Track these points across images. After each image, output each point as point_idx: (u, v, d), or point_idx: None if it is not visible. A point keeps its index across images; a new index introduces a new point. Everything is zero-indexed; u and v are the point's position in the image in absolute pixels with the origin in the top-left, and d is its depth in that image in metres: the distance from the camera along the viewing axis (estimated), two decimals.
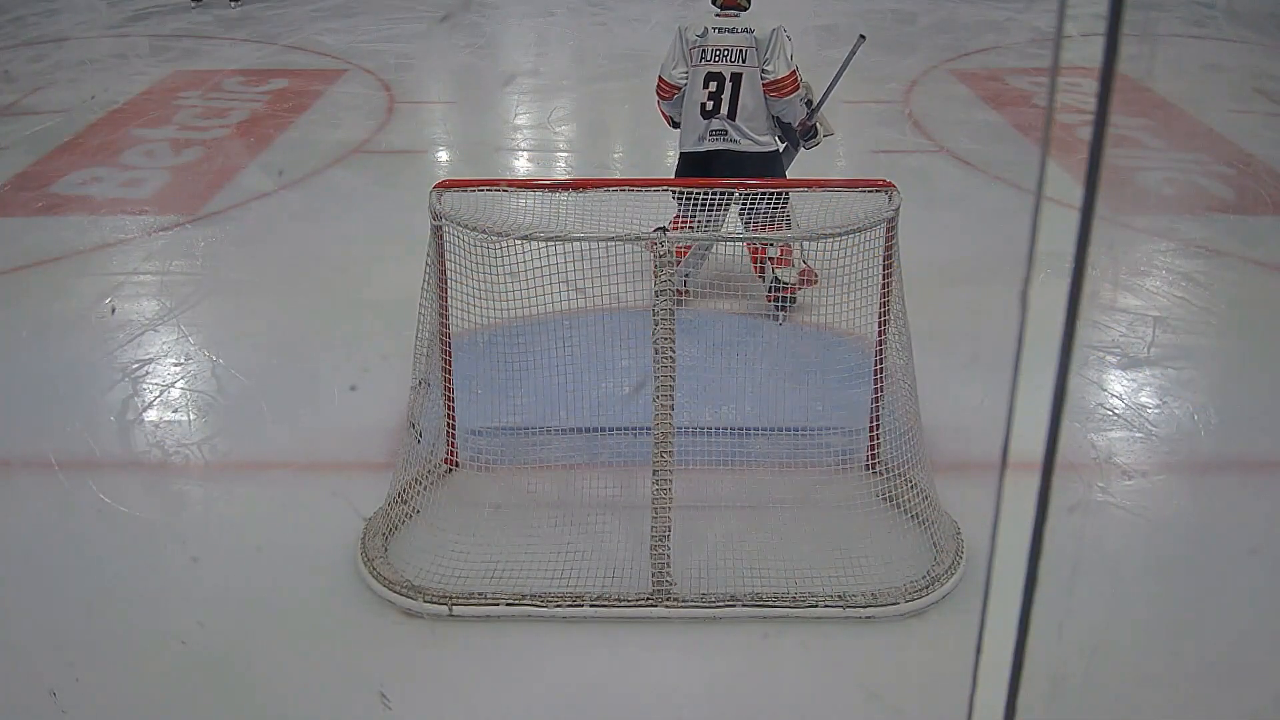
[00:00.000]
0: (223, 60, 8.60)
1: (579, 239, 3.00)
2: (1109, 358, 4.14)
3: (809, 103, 4.41)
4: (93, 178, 6.02)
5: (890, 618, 2.83)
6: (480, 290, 3.15)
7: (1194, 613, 2.91)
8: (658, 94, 4.50)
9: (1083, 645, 2.66)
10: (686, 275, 4.06)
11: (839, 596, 2.85)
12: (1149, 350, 4.21)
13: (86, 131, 6.79)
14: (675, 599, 2.85)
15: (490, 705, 2.63)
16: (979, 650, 1.02)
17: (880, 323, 3.17)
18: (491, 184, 3.23)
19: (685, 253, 4.05)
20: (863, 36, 4.46)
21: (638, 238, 2.87)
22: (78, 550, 3.16)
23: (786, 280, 4.05)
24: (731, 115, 4.26)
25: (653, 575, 2.86)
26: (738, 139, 4.28)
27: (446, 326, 3.23)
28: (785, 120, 4.41)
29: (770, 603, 2.84)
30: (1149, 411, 3.82)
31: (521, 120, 7.31)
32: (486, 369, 3.48)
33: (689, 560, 2.95)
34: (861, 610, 2.82)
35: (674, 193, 3.50)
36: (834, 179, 3.31)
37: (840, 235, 2.97)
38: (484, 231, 3.02)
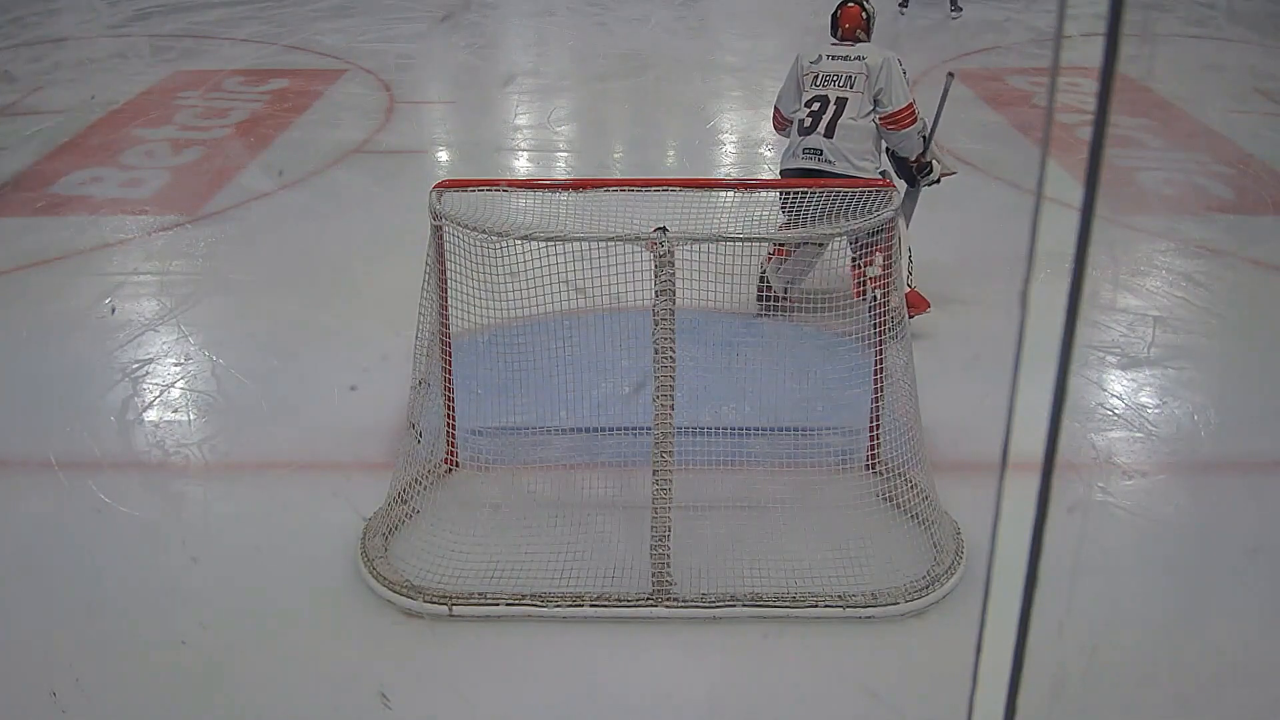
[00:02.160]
0: (223, 60, 8.60)
1: (579, 239, 3.00)
2: (1109, 358, 4.14)
3: (924, 138, 4.34)
4: (93, 178, 6.02)
5: (890, 618, 2.82)
6: (480, 290, 3.15)
7: (1194, 613, 2.91)
8: (773, 123, 4.51)
9: (1083, 645, 2.66)
10: (789, 283, 4.04)
11: (839, 596, 2.85)
12: (1149, 350, 4.21)
13: (86, 131, 6.79)
14: (675, 599, 2.85)
15: (490, 705, 2.63)
16: (979, 650, 1.02)
17: (880, 323, 3.17)
18: (491, 184, 3.23)
19: (784, 252, 4.03)
20: (951, 74, 4.45)
21: (638, 238, 2.87)
22: (78, 550, 3.16)
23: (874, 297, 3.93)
24: (829, 134, 4.16)
25: (653, 575, 2.86)
26: (833, 159, 4.15)
27: (446, 326, 3.23)
28: (902, 155, 4.34)
29: (770, 603, 2.84)
30: (1149, 411, 3.82)
31: (521, 120, 7.31)
32: (486, 369, 3.48)
33: (689, 560, 2.95)
34: (861, 610, 2.82)
35: (782, 201, 3.46)
36: (834, 179, 3.31)
37: (840, 235, 2.97)
38: (484, 231, 3.02)
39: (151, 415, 3.82)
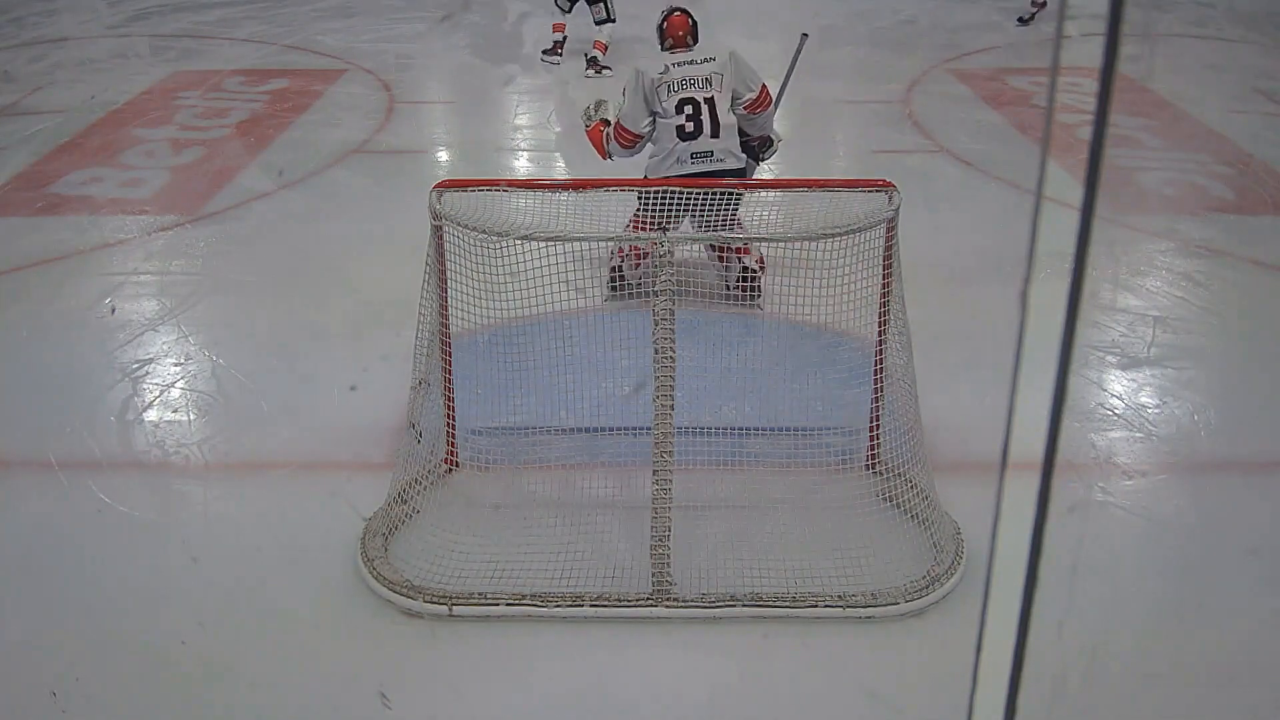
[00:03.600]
0: (223, 60, 8.60)
1: (579, 239, 3.00)
2: (1109, 358, 4.14)
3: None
4: (93, 178, 6.01)
5: (890, 618, 2.83)
6: (480, 290, 3.15)
7: (1194, 613, 2.91)
8: (617, 140, 4.48)
9: (1083, 645, 2.66)
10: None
11: (839, 596, 2.85)
12: (1149, 350, 4.21)
13: (86, 131, 6.79)
14: (675, 599, 2.85)
15: (490, 705, 2.63)
16: (979, 650, 1.02)
17: (880, 323, 3.17)
18: (491, 184, 3.23)
19: (639, 254, 4.10)
20: (805, 35, 4.61)
21: (637, 238, 2.87)
22: (78, 550, 3.16)
23: (755, 267, 4.10)
24: (715, 134, 4.30)
25: (653, 575, 2.86)
26: (723, 158, 4.32)
27: (446, 326, 3.23)
28: (758, 134, 4.47)
29: (770, 603, 2.84)
30: (1149, 411, 3.82)
31: (521, 120, 7.31)
32: (486, 369, 3.48)
33: (689, 560, 2.95)
34: (861, 610, 2.82)
35: (639, 193, 3.53)
36: (834, 179, 3.31)
37: (840, 235, 2.97)
38: (484, 231, 3.02)
39: (151, 415, 3.82)
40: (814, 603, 2.83)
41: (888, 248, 3.08)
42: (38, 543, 3.20)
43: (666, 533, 2.85)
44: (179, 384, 4.02)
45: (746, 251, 4.14)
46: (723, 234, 3.57)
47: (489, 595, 2.86)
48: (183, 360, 4.18)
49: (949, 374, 3.73)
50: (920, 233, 4.42)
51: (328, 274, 4.93)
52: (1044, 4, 7.16)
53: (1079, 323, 0.89)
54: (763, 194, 3.83)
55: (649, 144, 4.45)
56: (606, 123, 4.53)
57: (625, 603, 2.85)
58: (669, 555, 2.85)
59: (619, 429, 3.47)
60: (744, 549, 3.03)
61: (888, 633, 2.81)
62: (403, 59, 8.63)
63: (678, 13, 4.54)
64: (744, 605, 2.84)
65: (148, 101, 7.48)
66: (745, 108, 4.36)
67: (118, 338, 4.32)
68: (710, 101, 4.29)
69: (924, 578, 2.90)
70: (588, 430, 3.50)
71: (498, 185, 3.27)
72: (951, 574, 2.92)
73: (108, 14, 10.24)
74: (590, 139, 4.61)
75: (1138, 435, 3.68)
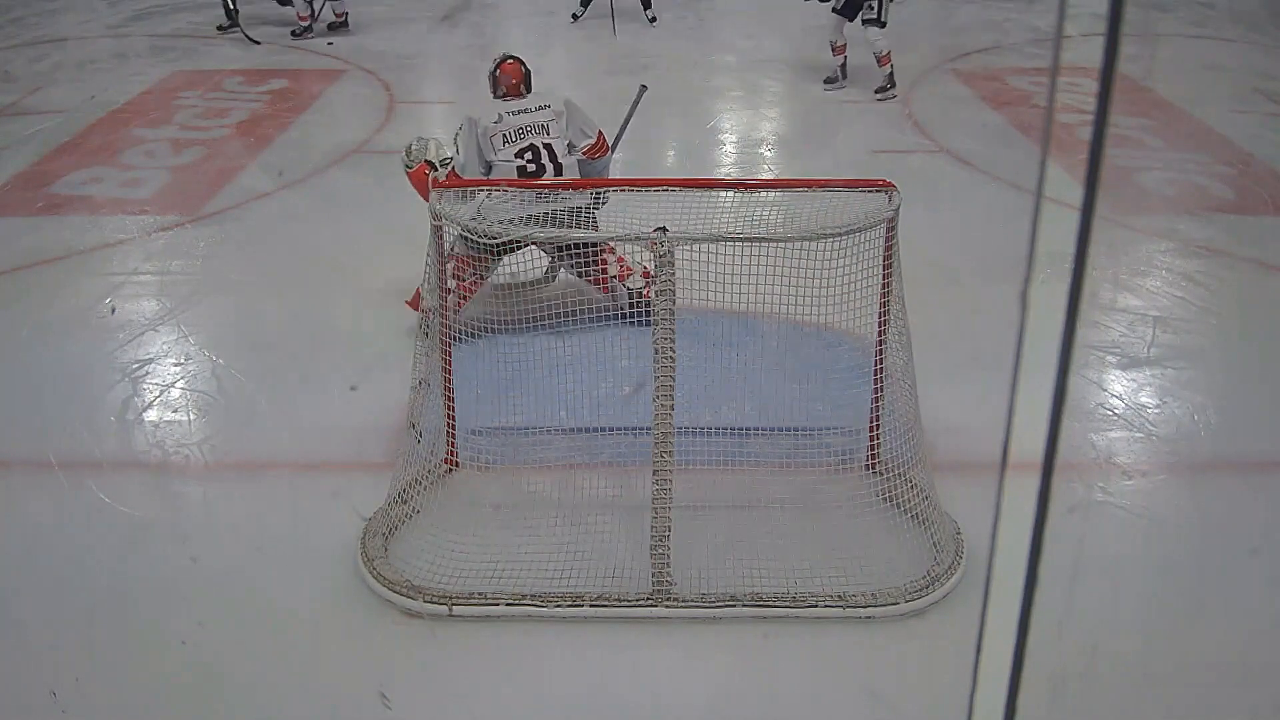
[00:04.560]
0: (223, 60, 8.60)
1: (579, 239, 3.00)
2: (1109, 358, 4.14)
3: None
4: (93, 178, 6.02)
5: (890, 618, 2.83)
6: (480, 290, 3.15)
7: (1194, 613, 2.91)
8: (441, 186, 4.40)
9: (1083, 645, 2.66)
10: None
11: (839, 596, 2.85)
12: (1149, 350, 4.21)
13: (86, 131, 6.79)
14: (675, 599, 2.85)
15: (490, 705, 2.64)
16: (979, 650, 1.02)
17: (880, 323, 3.17)
18: (492, 184, 3.23)
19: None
20: (644, 86, 4.66)
21: (638, 238, 2.87)
22: (78, 550, 3.16)
23: (639, 286, 4.12)
24: (557, 174, 4.25)
25: (653, 575, 2.86)
26: (568, 195, 4.09)
27: (446, 326, 3.23)
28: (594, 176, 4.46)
29: (770, 603, 2.84)
30: (1149, 411, 3.82)
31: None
32: (486, 369, 3.48)
33: (689, 560, 2.95)
34: (861, 610, 2.82)
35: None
36: (834, 179, 3.30)
37: (840, 235, 2.97)
38: (484, 231, 3.02)
39: (151, 415, 3.82)
40: (814, 603, 2.83)
41: (888, 248, 3.07)
42: (38, 543, 3.20)
43: (666, 533, 2.85)
44: (179, 384, 4.02)
45: (628, 273, 4.16)
46: (722, 234, 3.56)
47: (489, 595, 2.86)
48: (183, 360, 4.18)
49: (949, 374, 3.73)
50: (920, 233, 4.42)
51: (327, 274, 4.92)
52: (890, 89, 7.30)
53: (1079, 323, 0.89)
54: (763, 194, 3.83)
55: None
56: (432, 165, 4.27)
57: (625, 603, 2.86)
58: (669, 555, 2.85)
59: (619, 429, 3.47)
60: (744, 549, 3.03)
61: (888, 633, 2.81)
62: (403, 59, 8.62)
63: (510, 60, 4.49)
64: (744, 605, 2.84)
65: (148, 101, 7.48)
66: (584, 153, 4.35)
67: (118, 338, 4.32)
68: (549, 147, 4.26)
69: (924, 578, 2.90)
70: (588, 430, 3.50)
71: (498, 185, 3.27)
72: (951, 574, 2.92)
73: (108, 14, 10.24)
74: (413, 181, 4.28)
75: (1138, 435, 3.68)
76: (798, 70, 8.26)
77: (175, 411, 3.84)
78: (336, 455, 3.58)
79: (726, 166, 6.59)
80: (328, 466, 3.55)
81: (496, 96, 4.46)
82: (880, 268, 3.09)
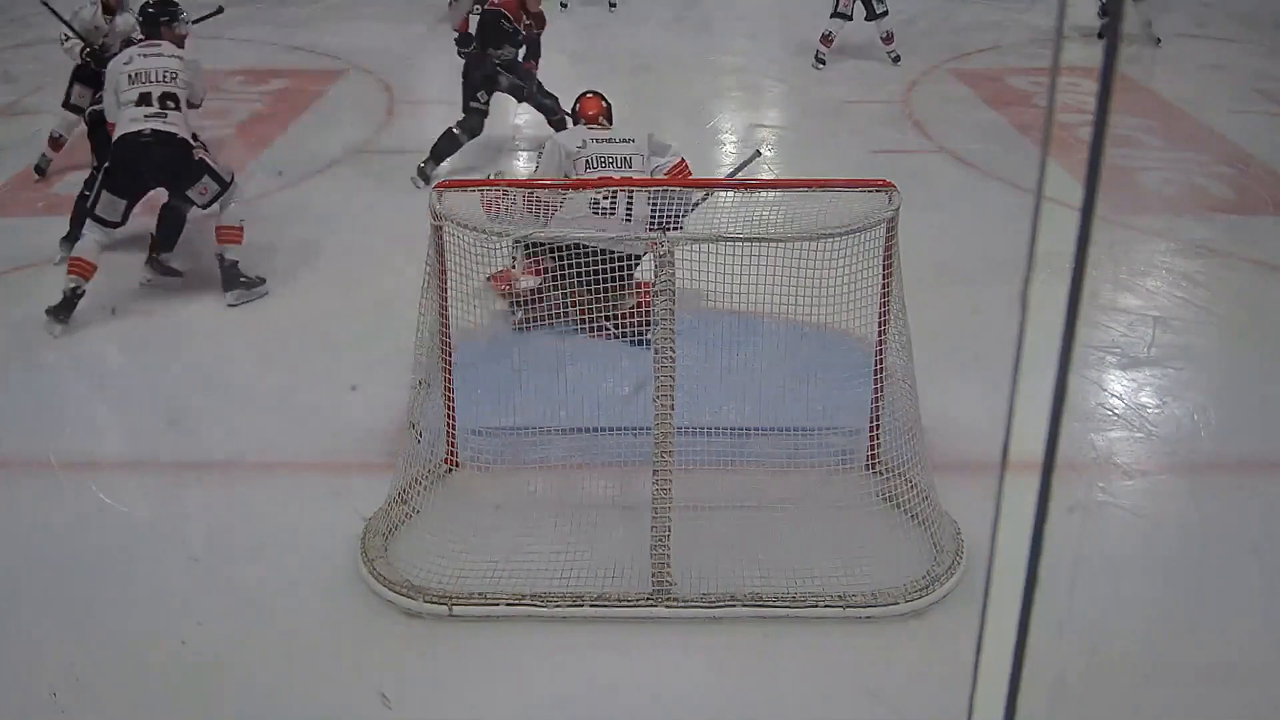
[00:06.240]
0: (223, 60, 8.59)
1: (579, 238, 3.00)
2: (1109, 358, 4.14)
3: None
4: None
5: (890, 618, 2.82)
6: (480, 290, 3.15)
7: (1194, 613, 2.91)
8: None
9: (1083, 645, 2.66)
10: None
11: (839, 596, 2.85)
12: (1149, 350, 4.21)
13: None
14: (675, 599, 2.85)
15: (490, 705, 2.63)
16: (979, 650, 1.02)
17: (880, 323, 3.17)
18: (491, 184, 3.24)
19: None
20: (759, 152, 4.77)
21: (638, 238, 2.87)
22: (78, 551, 3.16)
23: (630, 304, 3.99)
24: (628, 219, 4.08)
25: (653, 575, 2.86)
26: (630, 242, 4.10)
27: (446, 326, 3.23)
28: None
29: (770, 603, 2.84)
30: (1149, 411, 3.82)
31: (521, 120, 7.30)
32: (486, 369, 3.48)
33: (689, 560, 2.94)
34: (861, 610, 2.82)
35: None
36: (834, 179, 3.30)
37: (840, 235, 2.97)
38: (484, 231, 3.02)
39: (152, 415, 3.82)
40: (814, 603, 2.83)
41: (888, 248, 3.07)
42: (38, 543, 3.20)
43: (666, 533, 2.85)
44: (179, 384, 4.02)
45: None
46: (722, 234, 3.56)
47: (489, 595, 2.86)
48: (182, 360, 4.18)
49: (949, 374, 3.73)
50: (920, 233, 4.41)
51: (327, 274, 4.92)
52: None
53: (1079, 323, 0.89)
54: (763, 194, 3.82)
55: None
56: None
57: (625, 603, 2.85)
58: (669, 555, 2.85)
59: (619, 429, 3.47)
60: (744, 549, 3.03)
61: (888, 633, 2.81)
62: (403, 59, 8.62)
63: (590, 95, 4.61)
64: (744, 605, 2.84)
65: None
66: (665, 174, 4.34)
67: (118, 338, 4.32)
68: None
69: (924, 578, 2.90)
70: (588, 430, 3.50)
71: (498, 185, 3.27)
72: (951, 574, 2.91)
73: None
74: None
75: (1138, 435, 3.68)
76: (799, 70, 8.26)
77: (175, 412, 3.84)
78: (336, 455, 3.58)
79: (726, 166, 6.59)
80: (328, 466, 3.55)
81: (576, 121, 4.56)
82: (880, 268, 3.09)
